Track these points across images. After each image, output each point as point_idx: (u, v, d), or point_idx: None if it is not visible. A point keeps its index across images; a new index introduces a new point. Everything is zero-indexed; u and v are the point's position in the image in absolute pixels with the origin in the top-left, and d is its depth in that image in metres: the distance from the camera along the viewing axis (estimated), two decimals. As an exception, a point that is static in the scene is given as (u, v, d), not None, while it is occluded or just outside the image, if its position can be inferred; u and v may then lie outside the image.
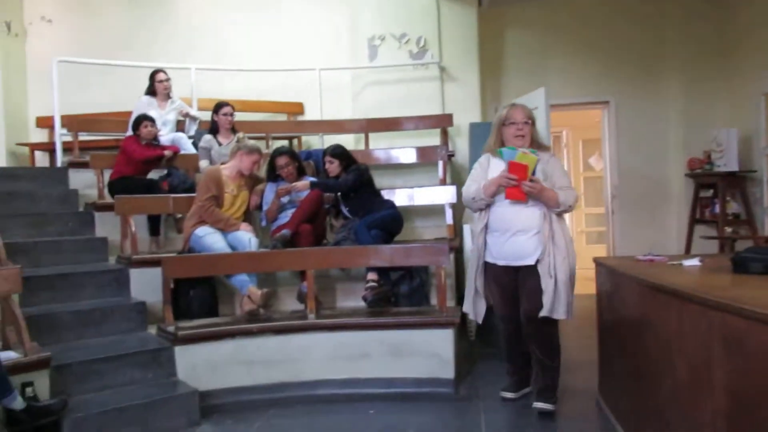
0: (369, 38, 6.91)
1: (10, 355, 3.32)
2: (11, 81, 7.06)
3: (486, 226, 3.48)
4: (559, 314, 3.32)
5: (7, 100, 6.93)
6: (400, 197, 5.36)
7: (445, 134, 6.42)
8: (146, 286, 4.47)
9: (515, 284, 3.48)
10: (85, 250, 4.82)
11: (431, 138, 6.51)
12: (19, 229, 4.79)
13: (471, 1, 6.86)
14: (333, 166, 4.91)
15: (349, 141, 6.66)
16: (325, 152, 5.02)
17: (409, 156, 6.03)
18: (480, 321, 3.66)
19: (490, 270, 3.54)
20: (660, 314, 2.49)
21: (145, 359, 3.79)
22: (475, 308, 3.62)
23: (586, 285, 4.30)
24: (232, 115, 5.66)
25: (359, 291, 4.58)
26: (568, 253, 3.37)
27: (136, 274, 4.54)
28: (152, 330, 4.22)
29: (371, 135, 6.62)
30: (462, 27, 6.87)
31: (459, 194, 5.41)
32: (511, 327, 3.60)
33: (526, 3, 7.24)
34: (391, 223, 4.72)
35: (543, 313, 3.30)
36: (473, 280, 3.59)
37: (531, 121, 3.48)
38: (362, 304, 4.49)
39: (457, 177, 6.33)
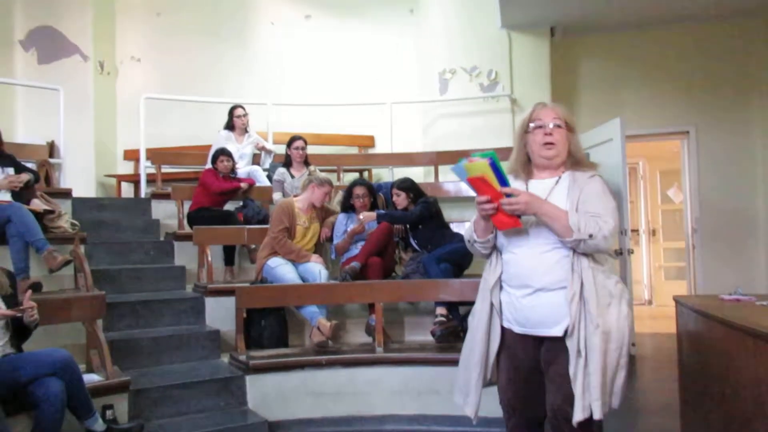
0: (440, 72, 6.98)
1: (93, 378, 3.47)
2: (103, 116, 7.53)
3: (500, 280, 2.39)
4: (596, 412, 2.13)
5: (98, 134, 7.39)
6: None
7: (516, 167, 6.34)
8: (220, 314, 4.59)
9: (535, 364, 2.34)
10: (165, 278, 5.00)
11: (502, 170, 6.44)
12: (105, 256, 5.05)
13: (543, 32, 6.82)
14: (400, 199, 4.94)
15: (418, 173, 6.70)
16: (392, 185, 5.06)
17: (479, 189, 5.98)
18: (474, 416, 2.43)
19: (504, 338, 2.41)
20: (749, 359, 2.34)
21: (218, 387, 3.88)
22: (469, 394, 2.43)
23: (665, 323, 4.10)
24: (304, 148, 5.80)
25: (428, 325, 4.53)
26: (609, 321, 2.21)
27: (211, 303, 4.68)
28: (225, 358, 4.31)
29: (441, 167, 6.63)
30: (533, 58, 6.83)
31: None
32: (517, 424, 2.43)
33: (601, 33, 7.13)
34: (460, 256, 4.67)
35: (576, 416, 2.14)
36: (472, 355, 2.42)
37: (567, 124, 2.37)
38: (431, 338, 4.44)
39: (528, 210, 6.23)
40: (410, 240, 4.97)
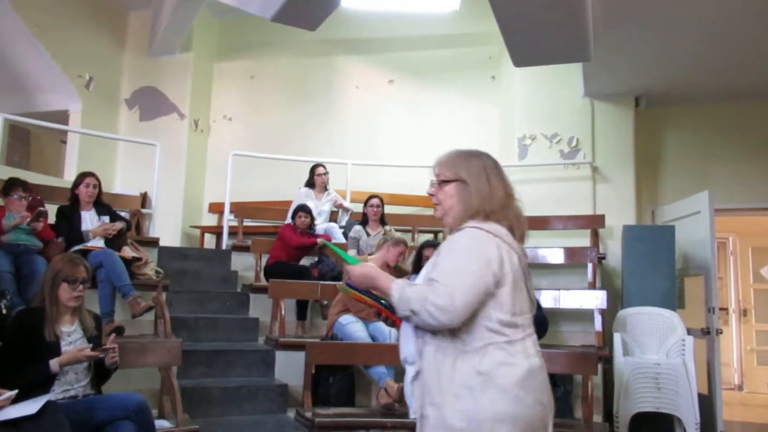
0: (519, 138, 6.98)
1: (164, 424, 3.54)
2: (193, 171, 7.97)
3: None
4: None
5: (188, 187, 7.81)
6: (545, 299, 5.18)
7: (596, 236, 6.18)
8: (290, 368, 4.62)
9: None
10: (239, 329, 5.12)
11: (581, 239, 6.29)
12: (185, 304, 5.23)
13: (627, 101, 6.73)
14: None
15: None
16: None
17: (556, 256, 5.86)
18: None
19: None
20: None
21: (282, 443, 3.87)
22: None
23: (758, 412, 3.79)
24: (379, 206, 5.90)
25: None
26: (451, 414, 1.74)
27: (281, 356, 4.72)
28: (291, 413, 4.31)
29: (517, 233, 6.54)
30: (617, 127, 6.73)
31: (609, 299, 5.15)
32: None
33: (688, 104, 6.95)
34: (535, 325, 4.54)
35: None
36: None
37: (460, 176, 1.97)
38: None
39: (607, 281, 6.02)
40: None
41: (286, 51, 8.29)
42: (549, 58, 5.54)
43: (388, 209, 6.16)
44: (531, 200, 7.08)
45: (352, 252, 5.70)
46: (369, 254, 5.22)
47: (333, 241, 6.06)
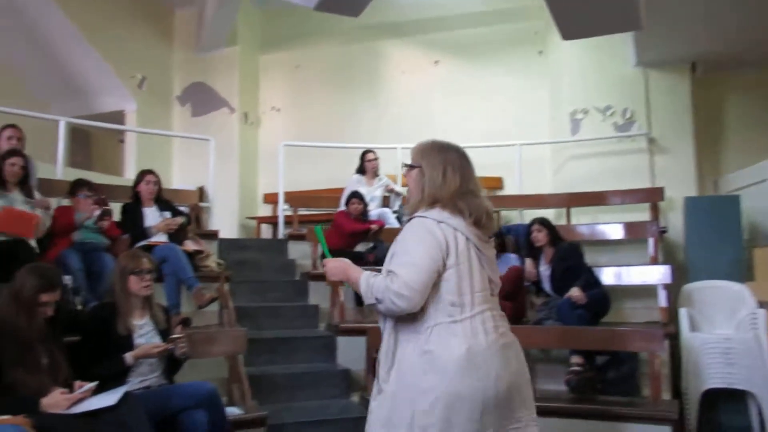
0: (570, 112, 6.83)
1: (234, 411, 3.64)
2: (246, 163, 8.12)
3: None
4: None
5: (242, 179, 7.97)
6: (606, 275, 5.06)
7: (655, 209, 6.01)
8: (351, 353, 4.68)
9: None
10: (299, 316, 5.21)
11: (639, 213, 6.12)
12: (246, 294, 5.35)
13: (683, 69, 6.48)
14: (541, 235, 4.81)
15: (549, 216, 6.49)
16: (533, 221, 4.94)
17: (615, 232, 5.72)
18: None
19: None
20: None
21: (347, 427, 3.93)
22: None
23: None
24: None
25: (561, 374, 4.33)
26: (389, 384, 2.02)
27: (342, 342, 4.79)
28: (355, 397, 4.38)
29: (573, 210, 6.42)
30: (673, 96, 6.50)
31: (674, 274, 5.00)
32: None
33: (749, 68, 6.64)
34: (598, 303, 4.46)
35: None
36: None
37: (411, 162, 2.21)
38: (564, 388, 4.23)
39: (670, 255, 5.85)
40: (543, 285, 4.82)
41: (330, 39, 8.31)
42: (598, 29, 5.37)
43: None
44: (585, 175, 6.96)
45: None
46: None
47: (386, 225, 6.07)
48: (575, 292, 4.41)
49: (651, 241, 5.52)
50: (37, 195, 4.38)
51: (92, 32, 7.16)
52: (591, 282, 4.58)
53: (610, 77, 6.69)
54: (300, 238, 6.27)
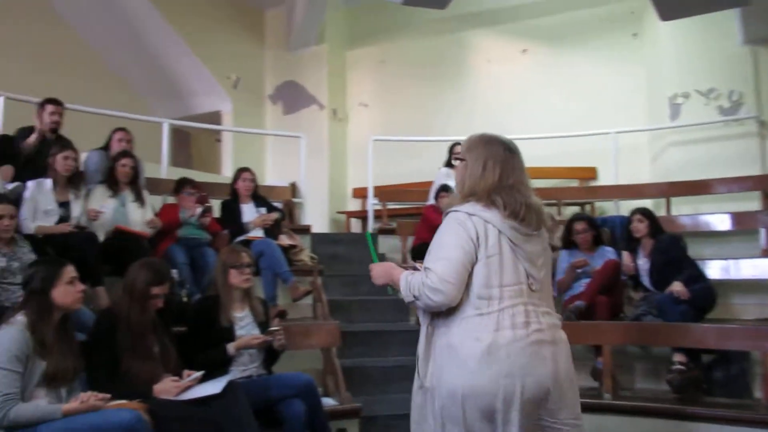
0: (670, 97, 6.49)
1: (329, 402, 3.74)
2: (335, 159, 8.29)
3: None
4: None
5: (332, 174, 8.14)
6: (712, 269, 4.77)
7: (767, 198, 5.61)
8: (442, 347, 4.68)
9: None
10: (390, 310, 5.26)
11: (747, 202, 5.74)
12: (338, 288, 5.46)
13: (797, 44, 6.01)
14: (642, 226, 4.62)
15: (647, 206, 6.23)
16: (634, 211, 4.76)
17: (722, 222, 5.39)
18: None
19: None
20: None
21: (441, 420, 3.94)
22: None
23: None
24: None
25: (662, 372, 4.15)
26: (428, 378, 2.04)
27: (433, 336, 4.79)
28: (447, 391, 4.38)
29: (673, 200, 6.11)
30: (786, 75, 6.03)
31: (788, 268, 4.66)
32: None
33: None
34: (702, 298, 4.23)
35: None
36: None
37: (460, 155, 2.22)
38: (666, 387, 4.05)
39: (783, 247, 5.44)
40: (642, 279, 4.63)
41: (415, 32, 8.30)
42: (701, 7, 5.09)
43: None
44: (687, 163, 6.61)
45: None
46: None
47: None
48: (678, 287, 4.20)
49: (763, 232, 5.17)
50: (145, 194, 4.65)
51: (192, 37, 7.54)
52: (694, 276, 4.35)
53: (714, 58, 6.29)
54: (389, 232, 6.33)
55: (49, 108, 4.53)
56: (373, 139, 7.00)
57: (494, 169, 2.08)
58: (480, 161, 2.11)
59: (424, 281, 1.97)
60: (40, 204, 3.97)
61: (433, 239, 2.08)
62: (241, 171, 5.30)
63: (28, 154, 4.38)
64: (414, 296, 2.00)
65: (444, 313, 2.01)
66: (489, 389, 1.91)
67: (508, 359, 1.92)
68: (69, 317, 2.83)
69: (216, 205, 5.23)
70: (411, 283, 2.02)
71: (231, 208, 5.13)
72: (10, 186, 4.05)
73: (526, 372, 1.93)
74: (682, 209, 6.06)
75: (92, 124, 5.63)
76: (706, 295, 4.30)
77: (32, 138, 4.38)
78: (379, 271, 2.22)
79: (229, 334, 3.38)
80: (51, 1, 7.50)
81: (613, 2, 7.35)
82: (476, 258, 1.99)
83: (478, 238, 1.99)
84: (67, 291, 2.76)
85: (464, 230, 2.00)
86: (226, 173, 7.49)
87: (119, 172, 4.48)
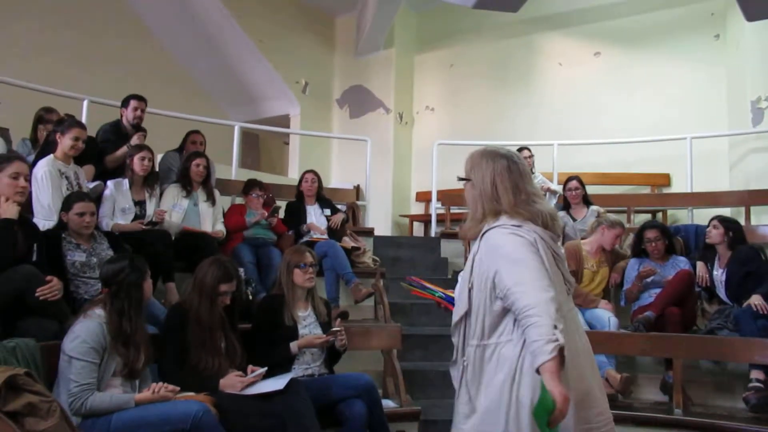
0: (753, 101, 6.18)
1: (389, 404, 3.75)
2: (400, 162, 8.34)
3: None
4: None
5: (396, 178, 8.18)
6: (795, 283, 4.51)
7: None
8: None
9: None
10: (451, 314, 5.22)
11: (838, 213, 5.40)
12: (399, 290, 5.45)
13: None
14: (717, 232, 4.42)
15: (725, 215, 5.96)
16: (713, 218, 4.56)
17: (807, 235, 5.09)
18: None
19: None
20: None
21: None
22: None
23: None
24: (578, 188, 5.49)
25: (738, 390, 3.95)
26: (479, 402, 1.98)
27: (494, 342, 4.73)
28: (508, 399, 4.31)
29: (754, 209, 5.80)
30: None
31: None
32: None
33: None
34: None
35: None
36: None
37: (465, 175, 2.17)
38: (742, 406, 3.85)
39: None
40: (718, 291, 4.42)
41: (484, 35, 8.24)
42: (789, 6, 4.81)
43: (600, 189, 5.83)
44: (767, 171, 6.25)
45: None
46: (582, 239, 4.99)
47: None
48: (757, 300, 3.99)
49: None
50: (216, 194, 4.80)
51: (265, 44, 7.77)
52: (776, 290, 4.12)
53: (802, 59, 5.96)
54: (452, 236, 6.29)
55: (133, 103, 4.74)
56: (438, 143, 6.99)
57: (506, 189, 2.03)
58: (488, 180, 2.06)
59: (534, 312, 1.78)
60: (118, 202, 4.17)
61: (493, 256, 1.95)
62: (305, 173, 5.41)
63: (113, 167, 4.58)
64: (555, 336, 1.74)
65: (504, 322, 1.93)
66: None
67: (571, 364, 1.83)
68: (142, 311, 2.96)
69: (282, 206, 5.34)
70: (540, 331, 1.76)
71: (296, 210, 5.24)
72: (92, 185, 4.26)
73: (580, 376, 1.91)
74: (763, 219, 5.75)
75: (168, 127, 5.87)
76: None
77: (121, 152, 4.56)
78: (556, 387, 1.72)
79: (293, 333, 3.44)
80: (137, 12, 7.89)
81: (692, 3, 7.07)
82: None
83: (537, 248, 1.94)
84: (148, 285, 2.94)
85: (526, 243, 1.93)
86: (293, 175, 7.66)
87: (192, 172, 4.64)
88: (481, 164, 2.10)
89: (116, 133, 4.69)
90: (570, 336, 1.87)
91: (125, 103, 4.77)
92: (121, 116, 4.77)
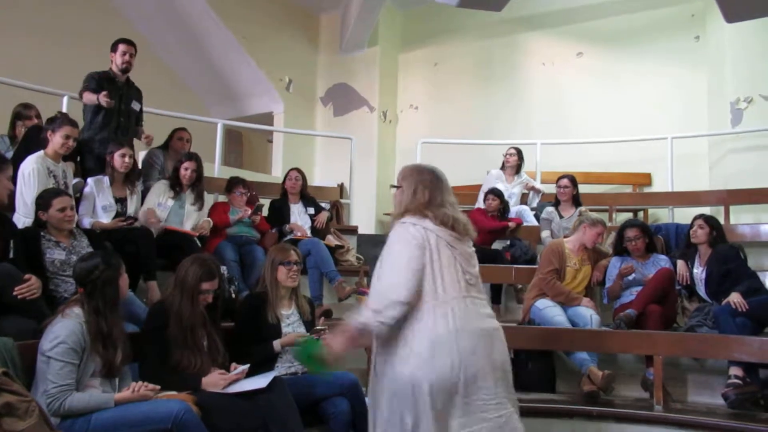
0: (732, 102, 6.27)
1: (373, 402, 3.75)
2: (384, 160, 8.33)
3: None
4: None
5: (380, 176, 8.17)
6: (773, 281, 4.59)
7: (833, 208, 5.35)
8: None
9: None
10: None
11: (813, 212, 5.49)
12: (384, 289, 5.47)
13: None
14: (702, 232, 4.47)
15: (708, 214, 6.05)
16: (697, 217, 4.61)
17: (785, 233, 5.17)
18: None
19: None
20: None
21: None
22: None
23: None
24: (568, 187, 5.59)
25: (717, 386, 4.00)
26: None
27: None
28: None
29: (733, 208, 5.88)
30: None
31: None
32: None
33: None
34: (762, 310, 4.06)
35: None
36: None
37: (397, 182, 2.63)
38: (721, 402, 3.90)
39: None
40: (698, 288, 4.47)
41: (468, 34, 8.26)
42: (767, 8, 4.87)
43: (582, 188, 5.87)
44: (749, 171, 6.37)
45: (545, 233, 5.52)
46: (564, 236, 5.03)
47: (525, 223, 5.93)
48: (736, 298, 4.04)
49: (828, 244, 4.93)
50: (205, 196, 4.73)
51: (248, 41, 7.72)
52: (754, 287, 4.17)
53: (782, 61, 6.05)
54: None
55: (122, 47, 4.56)
56: (422, 141, 7.00)
57: (424, 192, 2.48)
58: (412, 187, 2.51)
59: (370, 305, 2.39)
60: (98, 200, 4.11)
61: (384, 249, 2.43)
62: (290, 170, 5.39)
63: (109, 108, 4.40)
64: (380, 322, 2.36)
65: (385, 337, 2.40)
66: (442, 376, 2.26)
67: (455, 348, 2.27)
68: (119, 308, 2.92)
69: (266, 204, 5.32)
70: (367, 314, 2.38)
71: (279, 208, 5.21)
72: (73, 181, 4.20)
73: (465, 361, 2.27)
74: (742, 218, 5.83)
75: (151, 124, 5.80)
76: (766, 308, 4.12)
77: (102, 96, 4.30)
78: (337, 343, 2.52)
79: (276, 331, 3.42)
80: (119, 8, 7.79)
81: (673, 5, 7.15)
82: (424, 260, 2.35)
83: (423, 241, 2.36)
84: (124, 281, 2.90)
85: (412, 238, 2.36)
86: (276, 173, 7.62)
87: (182, 176, 4.54)
88: (411, 175, 2.56)
89: (105, 78, 4.51)
90: (468, 320, 2.33)
91: (114, 48, 4.60)
92: (112, 62, 4.62)
